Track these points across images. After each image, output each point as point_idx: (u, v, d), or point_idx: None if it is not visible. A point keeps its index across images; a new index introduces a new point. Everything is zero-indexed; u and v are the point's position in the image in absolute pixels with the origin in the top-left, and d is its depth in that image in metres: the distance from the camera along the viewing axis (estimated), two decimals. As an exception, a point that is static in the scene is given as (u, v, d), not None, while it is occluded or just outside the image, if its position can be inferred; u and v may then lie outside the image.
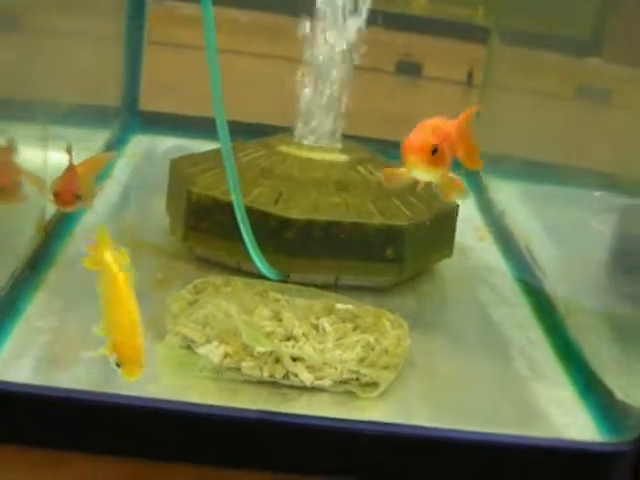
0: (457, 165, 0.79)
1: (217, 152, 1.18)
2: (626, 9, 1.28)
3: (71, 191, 0.86)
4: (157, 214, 1.20)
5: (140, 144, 1.51)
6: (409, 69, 1.80)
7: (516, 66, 1.50)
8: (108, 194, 1.28)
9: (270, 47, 1.69)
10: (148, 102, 1.61)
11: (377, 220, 1.08)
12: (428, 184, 0.79)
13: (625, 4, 1.28)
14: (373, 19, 1.17)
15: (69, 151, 0.89)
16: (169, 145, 1.51)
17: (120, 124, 1.53)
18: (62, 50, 1.14)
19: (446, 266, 1.17)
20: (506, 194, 1.40)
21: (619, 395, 0.90)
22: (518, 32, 1.54)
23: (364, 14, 1.16)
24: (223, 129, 0.98)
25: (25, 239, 1.03)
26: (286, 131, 1.22)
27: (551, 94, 1.40)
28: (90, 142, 1.35)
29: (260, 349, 0.89)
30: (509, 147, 1.45)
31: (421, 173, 0.74)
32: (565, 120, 1.32)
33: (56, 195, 0.86)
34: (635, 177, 1.09)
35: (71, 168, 0.87)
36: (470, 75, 1.67)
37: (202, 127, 1.46)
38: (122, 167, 1.38)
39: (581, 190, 1.23)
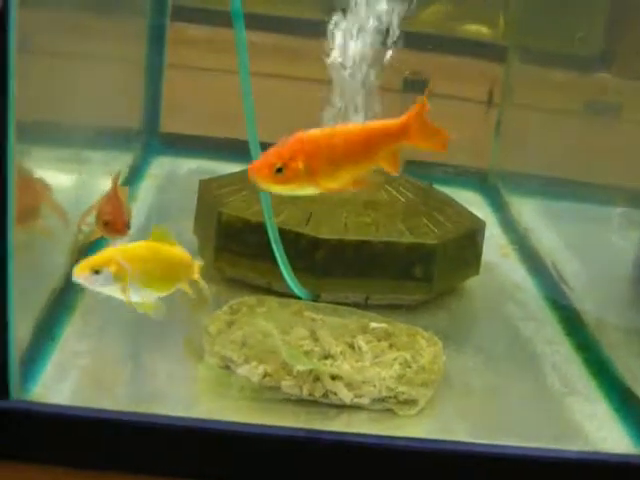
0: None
1: (245, 173, 1.20)
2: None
3: (122, 220, 0.87)
4: (184, 236, 1.21)
5: (162, 166, 1.52)
6: (420, 87, 1.81)
7: (534, 84, 1.51)
8: (134, 216, 1.29)
9: (286, 68, 1.70)
10: (168, 124, 1.62)
11: (407, 239, 1.09)
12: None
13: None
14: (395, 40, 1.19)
15: (116, 179, 0.90)
16: (190, 166, 1.53)
17: (141, 146, 1.55)
18: (88, 75, 1.15)
19: (473, 283, 1.18)
20: (528, 211, 1.41)
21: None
22: (535, 50, 1.56)
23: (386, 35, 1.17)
24: (256, 150, 1.00)
25: (59, 262, 1.04)
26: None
27: (568, 111, 1.42)
28: (114, 164, 1.37)
29: (300, 368, 0.90)
30: (530, 164, 1.47)
31: (277, 190, 0.75)
32: (584, 136, 1.33)
33: (107, 224, 0.87)
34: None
35: (117, 196, 0.88)
36: (490, 94, 1.68)
37: (222, 148, 1.50)
38: (146, 189, 1.40)
39: (602, 206, 1.25)
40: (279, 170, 0.71)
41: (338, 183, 0.76)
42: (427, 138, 0.81)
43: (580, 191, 1.32)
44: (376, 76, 1.18)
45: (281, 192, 0.77)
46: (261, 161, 0.72)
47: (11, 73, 0.74)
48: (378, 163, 0.79)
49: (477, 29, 1.74)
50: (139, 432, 0.83)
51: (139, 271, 0.78)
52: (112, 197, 0.90)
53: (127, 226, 0.87)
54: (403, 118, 0.79)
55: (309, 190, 0.75)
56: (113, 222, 0.87)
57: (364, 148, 0.76)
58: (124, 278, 0.77)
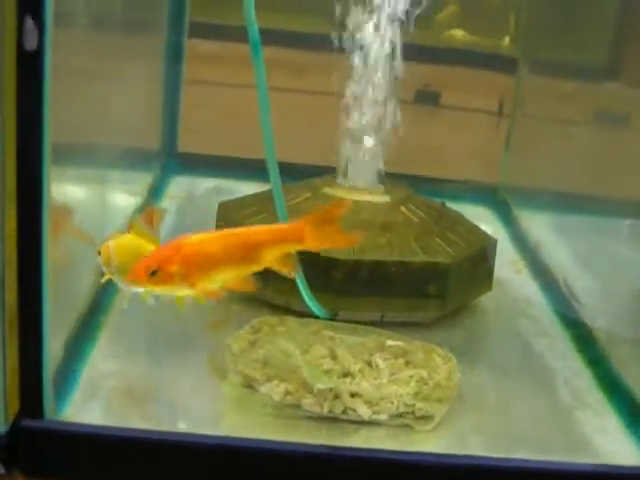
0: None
1: (264, 194, 1.24)
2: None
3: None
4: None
5: (180, 185, 1.56)
6: (431, 99, 1.83)
7: (544, 95, 1.54)
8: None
9: (298, 82, 1.73)
10: (185, 144, 1.66)
11: (420, 258, 1.12)
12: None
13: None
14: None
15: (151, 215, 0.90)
16: (208, 186, 1.57)
17: (160, 166, 1.58)
18: (109, 96, 1.19)
19: (486, 300, 1.22)
20: (538, 225, 1.45)
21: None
22: (544, 61, 1.59)
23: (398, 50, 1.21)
24: (275, 175, 1.03)
25: (86, 283, 1.08)
26: (323, 171, 1.27)
27: (577, 121, 1.44)
28: (135, 184, 1.41)
29: (320, 386, 0.93)
30: (539, 177, 1.50)
31: (156, 290, 0.80)
32: (594, 147, 1.36)
33: None
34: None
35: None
36: (501, 105, 1.71)
37: (239, 168, 1.54)
38: (166, 209, 1.43)
39: (613, 219, 1.27)
40: (154, 273, 0.76)
41: (216, 285, 0.80)
42: (327, 240, 0.84)
43: (591, 204, 1.34)
44: (388, 89, 1.22)
45: (160, 292, 0.82)
46: (140, 264, 0.77)
47: (46, 114, 0.77)
48: (271, 265, 0.83)
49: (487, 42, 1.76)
50: (169, 450, 0.86)
51: None
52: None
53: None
54: (295, 223, 0.82)
55: (186, 291, 0.80)
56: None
57: (246, 253, 0.80)
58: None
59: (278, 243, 0.81)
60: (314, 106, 1.65)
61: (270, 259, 0.82)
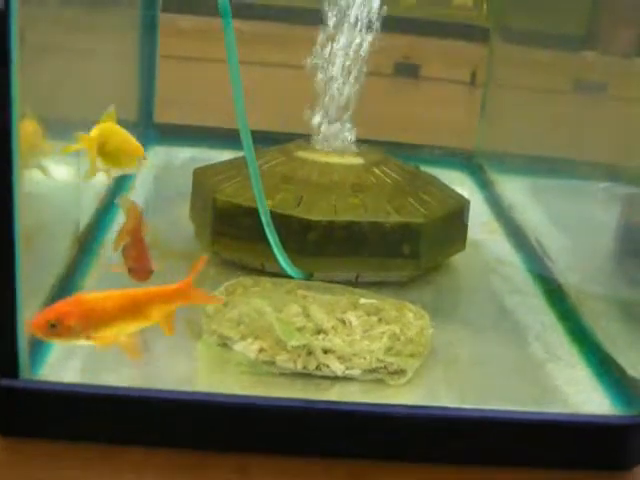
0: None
1: (238, 161, 1.25)
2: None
3: (147, 268, 0.93)
4: (181, 222, 1.26)
5: (157, 155, 1.56)
6: (408, 71, 1.85)
7: (517, 64, 1.55)
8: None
9: (273, 56, 1.74)
10: (161, 114, 1.66)
11: (394, 219, 1.13)
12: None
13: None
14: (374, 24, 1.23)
15: (139, 219, 0.95)
16: (185, 155, 1.57)
17: (137, 136, 1.58)
18: (85, 69, 1.19)
19: (459, 259, 1.23)
20: (513, 188, 1.46)
21: (632, 373, 0.96)
22: (517, 31, 1.60)
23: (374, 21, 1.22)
24: (247, 138, 1.04)
25: (62, 251, 1.09)
26: (293, 138, 1.28)
27: (551, 89, 1.46)
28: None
29: (294, 343, 0.95)
30: (513, 143, 1.51)
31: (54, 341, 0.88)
32: (565, 114, 1.37)
33: (131, 271, 0.92)
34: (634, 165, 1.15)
35: (141, 241, 0.94)
36: (473, 75, 1.72)
37: (215, 137, 1.55)
38: (143, 177, 1.44)
39: (584, 182, 1.29)
40: (53, 325, 0.82)
41: (111, 338, 0.86)
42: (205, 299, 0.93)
43: (563, 168, 1.36)
44: (366, 61, 1.23)
45: (59, 343, 0.89)
46: (40, 315, 0.83)
47: (14, 72, 0.78)
48: (157, 322, 0.88)
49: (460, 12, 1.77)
50: (144, 406, 0.88)
51: None
52: (137, 242, 0.95)
53: (151, 272, 0.93)
54: (179, 284, 0.88)
55: (84, 342, 0.85)
56: (137, 269, 0.93)
57: (137, 310, 0.86)
58: None
59: (165, 302, 0.88)
60: (289, 78, 1.66)
61: (157, 316, 0.88)
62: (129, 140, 0.97)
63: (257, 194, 1.07)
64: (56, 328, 0.82)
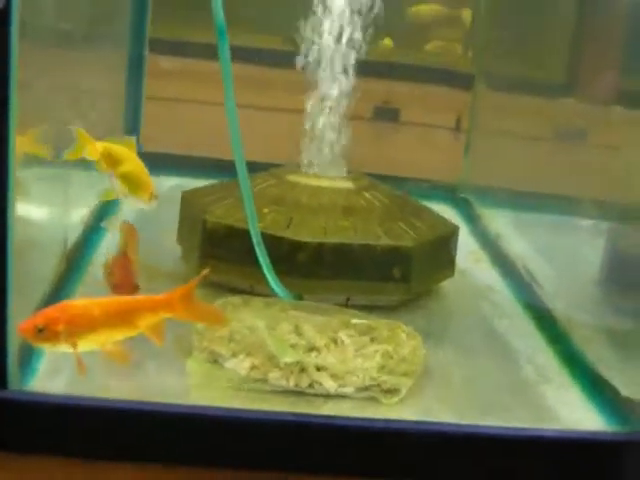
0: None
1: (226, 183, 1.25)
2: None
3: (131, 283, 0.93)
4: (168, 245, 1.26)
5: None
6: (389, 115, 1.87)
7: (500, 110, 1.59)
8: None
9: (258, 98, 1.75)
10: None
11: (384, 241, 1.13)
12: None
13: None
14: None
15: (127, 237, 0.97)
16: (171, 184, 1.56)
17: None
18: (76, 102, 1.20)
19: (448, 286, 1.23)
20: (498, 222, 1.47)
21: (625, 393, 0.95)
22: (500, 78, 1.63)
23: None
24: (240, 158, 1.04)
25: (50, 268, 1.08)
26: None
27: (534, 136, 1.48)
28: (97, 182, 1.41)
29: (287, 360, 0.94)
30: (496, 180, 1.54)
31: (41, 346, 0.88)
32: (551, 159, 1.40)
33: (115, 287, 0.92)
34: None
35: (126, 257, 0.94)
36: (458, 120, 1.76)
37: (200, 166, 1.55)
38: (129, 203, 1.43)
39: (564, 216, 1.31)
40: (41, 330, 0.84)
41: (97, 345, 0.88)
42: (196, 313, 0.91)
43: (545, 203, 1.38)
44: (347, 105, 1.24)
45: (46, 348, 0.89)
46: (28, 320, 0.84)
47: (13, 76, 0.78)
48: (144, 331, 0.89)
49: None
50: (135, 419, 0.86)
51: None
52: (121, 258, 0.95)
53: (136, 288, 0.94)
54: (168, 295, 0.89)
55: (69, 349, 0.86)
56: (121, 285, 0.93)
57: (123, 319, 0.88)
58: None
59: (151, 311, 0.88)
60: (277, 118, 1.68)
61: (144, 325, 0.89)
62: (143, 171, 1.00)
63: (249, 214, 1.06)
64: (43, 333, 0.84)
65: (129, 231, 1.01)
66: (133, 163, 0.99)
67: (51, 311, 0.86)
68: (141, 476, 0.86)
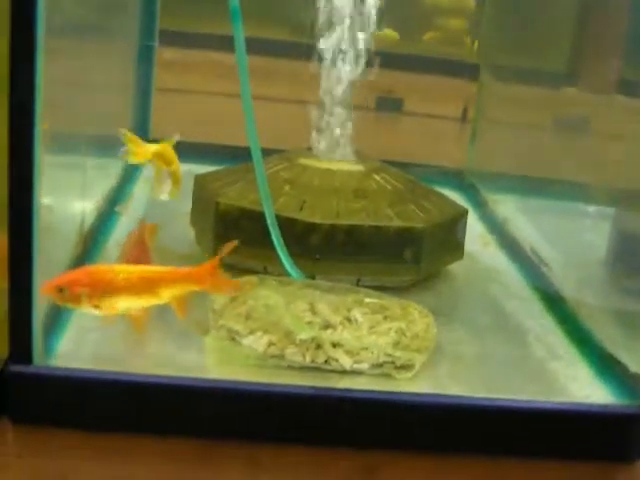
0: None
1: (239, 167, 1.27)
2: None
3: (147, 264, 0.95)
4: (180, 228, 1.27)
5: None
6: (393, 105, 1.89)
7: (505, 99, 1.61)
8: (131, 213, 1.35)
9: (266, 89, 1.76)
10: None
11: (395, 223, 1.15)
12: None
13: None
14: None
15: (143, 223, 1.00)
16: (183, 169, 1.58)
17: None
18: (88, 90, 1.21)
19: (457, 268, 1.25)
20: (504, 207, 1.49)
21: (635, 369, 0.98)
22: (505, 68, 1.65)
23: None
24: (254, 139, 1.06)
25: (68, 249, 1.10)
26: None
27: (537, 122, 1.50)
28: (110, 169, 1.44)
29: (303, 336, 0.96)
30: (502, 166, 1.56)
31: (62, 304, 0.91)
32: (553, 146, 1.42)
33: None
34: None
35: (143, 241, 0.97)
36: (465, 111, 1.78)
37: (209, 153, 1.57)
38: (140, 188, 1.46)
39: (569, 201, 1.34)
40: (62, 290, 0.87)
41: (120, 310, 0.91)
42: (218, 287, 0.94)
43: (551, 190, 1.40)
44: (351, 95, 1.26)
45: (67, 306, 0.92)
46: (52, 280, 0.88)
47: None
48: (169, 302, 0.92)
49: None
50: (157, 393, 0.88)
51: None
52: (139, 242, 0.97)
53: None
54: (193, 268, 0.92)
55: (90, 311, 0.90)
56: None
57: (146, 287, 0.90)
58: None
59: (177, 283, 0.91)
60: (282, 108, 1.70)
61: (168, 296, 0.91)
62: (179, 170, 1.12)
63: (263, 195, 1.08)
64: (64, 293, 0.87)
65: (150, 229, 1.03)
66: (176, 163, 1.12)
67: (75, 273, 0.89)
68: (161, 448, 0.88)
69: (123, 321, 0.94)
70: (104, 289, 0.88)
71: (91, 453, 0.88)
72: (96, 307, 0.88)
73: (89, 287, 0.87)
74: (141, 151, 1.09)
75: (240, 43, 1.04)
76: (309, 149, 1.27)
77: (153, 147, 1.11)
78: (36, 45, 0.80)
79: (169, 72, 1.75)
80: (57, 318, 0.97)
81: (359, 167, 1.24)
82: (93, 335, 0.97)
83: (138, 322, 0.92)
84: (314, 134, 1.27)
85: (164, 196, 1.11)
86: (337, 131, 1.26)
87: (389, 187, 1.21)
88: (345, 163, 1.24)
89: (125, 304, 0.89)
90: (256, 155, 1.08)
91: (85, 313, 0.92)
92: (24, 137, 0.82)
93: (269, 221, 1.09)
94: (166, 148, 1.12)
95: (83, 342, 0.95)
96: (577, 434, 0.91)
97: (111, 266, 0.90)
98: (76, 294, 0.87)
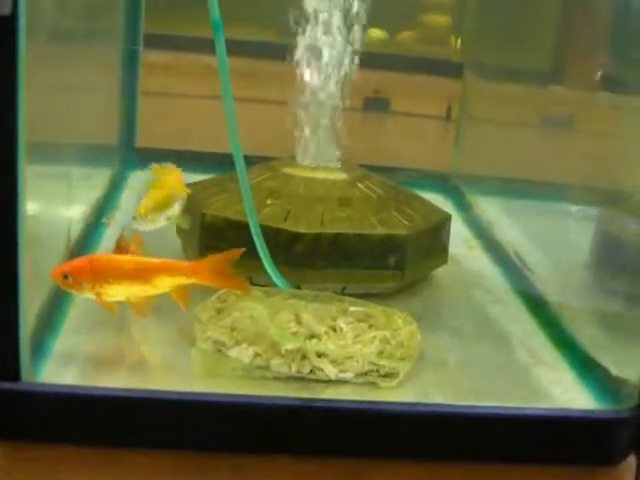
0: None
1: (223, 178, 1.28)
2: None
3: None
4: (166, 237, 1.28)
5: (139, 178, 1.58)
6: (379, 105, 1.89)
7: (489, 98, 1.62)
8: (117, 222, 1.36)
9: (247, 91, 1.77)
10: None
11: (379, 231, 1.17)
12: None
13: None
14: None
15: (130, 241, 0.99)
16: (167, 178, 1.59)
17: (119, 161, 1.62)
18: (71, 99, 1.22)
19: (442, 273, 1.26)
20: (489, 209, 1.51)
21: (615, 372, 0.99)
22: (489, 66, 1.66)
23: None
24: (237, 150, 1.07)
25: (56, 261, 1.10)
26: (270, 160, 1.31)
27: (522, 121, 1.51)
28: (96, 179, 1.45)
29: (288, 347, 0.97)
30: (486, 167, 1.57)
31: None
32: (537, 144, 1.43)
33: None
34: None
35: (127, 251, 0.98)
36: (449, 109, 1.79)
37: (195, 160, 1.57)
38: (127, 198, 1.47)
39: (554, 202, 1.35)
40: (66, 277, 0.95)
41: (121, 297, 0.97)
42: (221, 281, 1.00)
43: (537, 191, 1.41)
44: (337, 96, 1.27)
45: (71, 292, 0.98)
46: (59, 266, 0.96)
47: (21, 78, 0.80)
48: (169, 292, 0.98)
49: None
50: (145, 408, 0.89)
51: None
52: (125, 253, 0.98)
53: None
54: (192, 262, 1.00)
55: (93, 297, 0.96)
56: None
57: (145, 277, 0.96)
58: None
59: (172, 275, 0.97)
60: (267, 111, 1.70)
61: (166, 287, 0.97)
62: None
63: (247, 205, 1.09)
64: (68, 280, 0.95)
65: (135, 240, 1.04)
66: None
67: (79, 261, 0.96)
68: (151, 462, 0.89)
69: (112, 334, 0.97)
70: (106, 277, 0.94)
71: (81, 468, 0.89)
72: (97, 294, 0.94)
73: (91, 275, 0.94)
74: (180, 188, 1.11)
75: (222, 56, 1.05)
76: (292, 157, 1.28)
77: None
78: (18, 50, 0.80)
79: (154, 75, 1.76)
80: (43, 338, 0.97)
81: (343, 175, 1.25)
82: (78, 355, 0.98)
83: (139, 307, 0.97)
84: (298, 141, 1.28)
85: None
86: (322, 138, 1.27)
87: (373, 195, 1.22)
88: (329, 172, 1.25)
89: (124, 291, 0.95)
90: (240, 166, 1.09)
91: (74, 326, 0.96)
92: (7, 147, 0.81)
93: (253, 231, 1.10)
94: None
95: (69, 362, 0.96)
96: (560, 438, 0.92)
97: (114, 256, 0.96)
98: (79, 281, 0.94)
